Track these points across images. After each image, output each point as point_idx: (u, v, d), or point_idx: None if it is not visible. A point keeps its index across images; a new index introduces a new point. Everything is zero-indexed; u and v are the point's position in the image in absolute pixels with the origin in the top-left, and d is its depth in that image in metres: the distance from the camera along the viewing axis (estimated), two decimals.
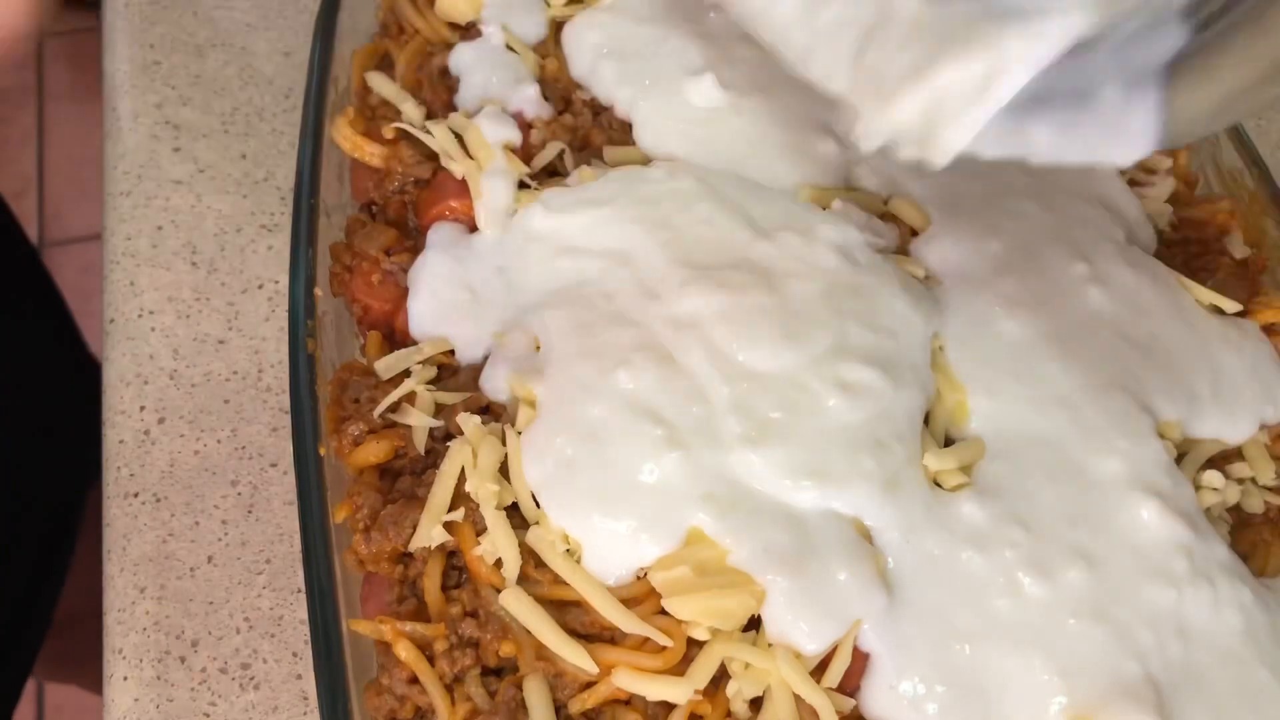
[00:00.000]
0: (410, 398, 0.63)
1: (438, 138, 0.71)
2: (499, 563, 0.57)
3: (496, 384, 0.63)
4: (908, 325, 0.64)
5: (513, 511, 0.59)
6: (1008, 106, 0.42)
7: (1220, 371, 0.66)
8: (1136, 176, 0.76)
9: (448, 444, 0.61)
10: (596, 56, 0.76)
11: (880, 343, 0.63)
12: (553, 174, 0.73)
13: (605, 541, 0.57)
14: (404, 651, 0.56)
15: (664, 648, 0.55)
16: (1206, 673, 0.56)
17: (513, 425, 0.61)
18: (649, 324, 0.63)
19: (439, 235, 0.69)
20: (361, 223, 0.71)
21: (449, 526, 0.58)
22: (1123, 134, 0.43)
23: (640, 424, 0.59)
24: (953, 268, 0.68)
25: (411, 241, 0.71)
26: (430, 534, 0.58)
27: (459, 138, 0.71)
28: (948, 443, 0.63)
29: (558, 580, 0.57)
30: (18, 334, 1.09)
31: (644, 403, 0.60)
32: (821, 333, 0.63)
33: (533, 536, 0.57)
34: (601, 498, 0.57)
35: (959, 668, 0.55)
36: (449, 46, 0.78)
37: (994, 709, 0.55)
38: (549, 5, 0.80)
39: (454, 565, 0.59)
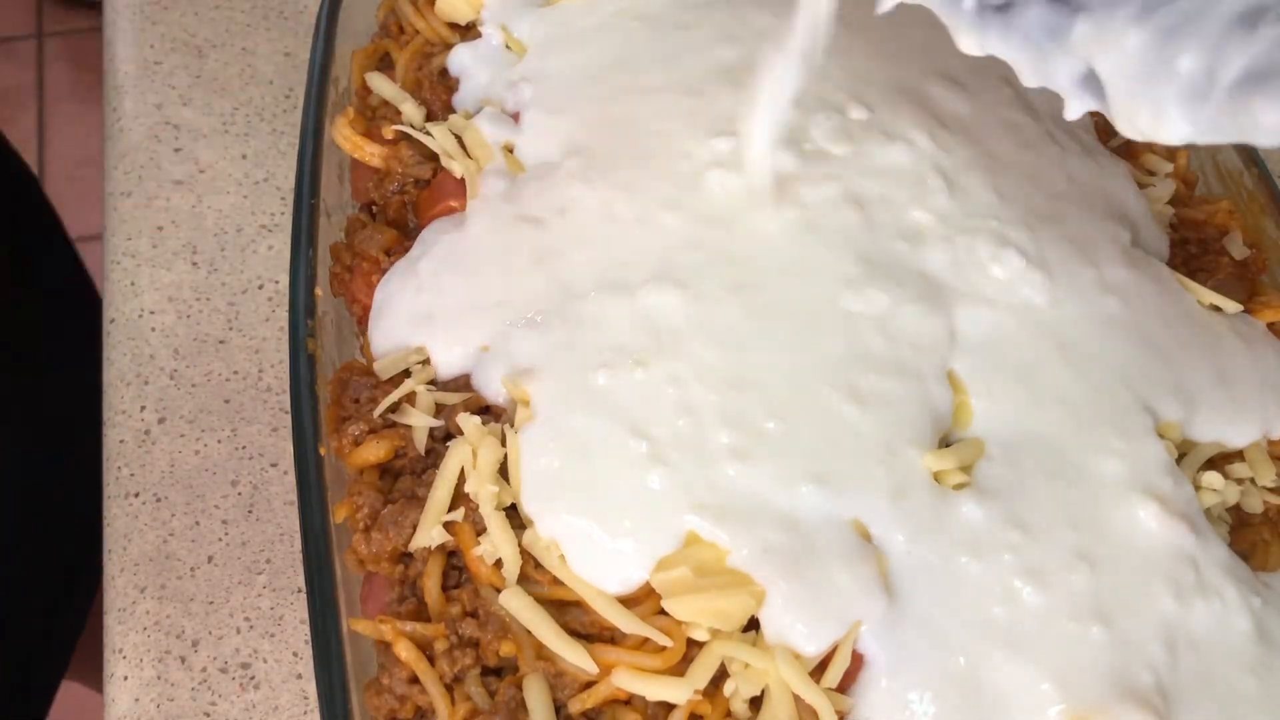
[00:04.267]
0: (410, 398, 0.63)
1: (438, 138, 0.71)
2: (499, 563, 0.57)
3: (492, 386, 0.62)
4: (930, 332, 0.64)
5: (512, 512, 0.59)
6: (1230, 85, 0.41)
7: (1226, 373, 0.66)
8: (1138, 178, 0.76)
9: (448, 444, 0.61)
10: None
11: (898, 351, 0.62)
12: None
13: (595, 554, 0.57)
14: (404, 651, 0.56)
15: (664, 648, 0.55)
16: (1213, 676, 0.56)
17: (512, 426, 0.61)
18: (626, 324, 0.62)
19: (430, 234, 0.69)
20: (362, 223, 0.71)
21: (449, 526, 0.59)
22: None
23: (622, 438, 0.58)
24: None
25: (411, 242, 0.71)
26: (430, 534, 0.58)
27: (458, 138, 0.72)
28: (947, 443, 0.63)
29: (557, 580, 0.57)
30: (64, 331, 1.09)
31: (625, 412, 0.59)
32: (832, 339, 0.62)
33: (528, 540, 0.57)
34: (588, 514, 0.57)
35: (957, 674, 0.55)
36: (449, 47, 0.78)
37: (992, 716, 0.54)
38: None
39: (454, 565, 0.59)
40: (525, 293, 0.64)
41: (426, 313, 0.65)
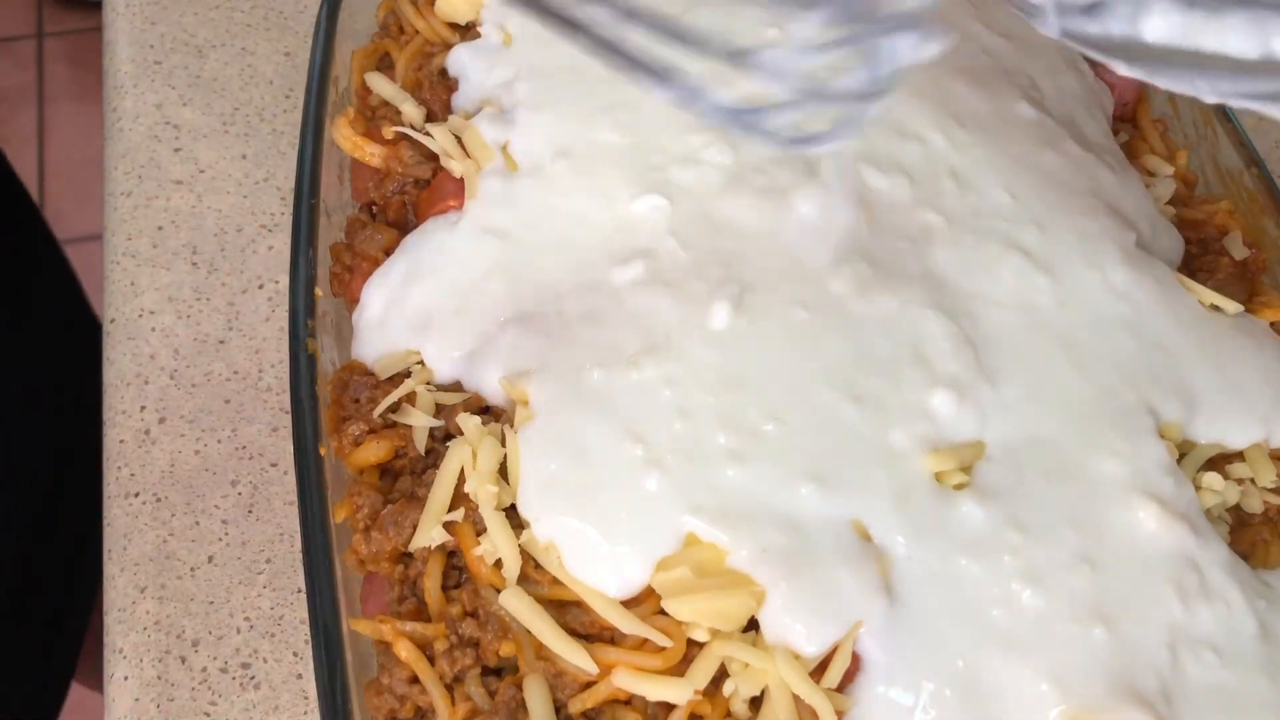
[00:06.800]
0: (410, 398, 0.63)
1: (437, 139, 0.71)
2: (499, 563, 0.57)
3: (487, 386, 0.62)
4: (933, 333, 0.63)
5: (512, 512, 0.59)
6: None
7: (1227, 374, 0.66)
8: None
9: (448, 444, 0.61)
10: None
11: (900, 352, 0.62)
12: None
13: (593, 557, 0.56)
14: (404, 651, 0.56)
15: (664, 648, 0.55)
16: (1220, 678, 0.56)
17: (512, 426, 0.61)
18: (617, 324, 0.62)
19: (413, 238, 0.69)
20: (362, 223, 0.71)
21: (449, 526, 0.59)
22: None
23: (618, 441, 0.58)
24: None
25: None
26: (430, 534, 0.58)
27: (458, 138, 0.71)
28: None
29: (557, 580, 0.57)
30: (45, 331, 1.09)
31: (622, 415, 0.59)
32: (833, 340, 0.62)
33: (527, 540, 0.57)
34: (585, 517, 0.57)
35: (956, 674, 0.55)
36: (449, 47, 0.78)
37: (991, 717, 0.54)
38: None
39: (454, 565, 0.59)
40: (515, 293, 0.64)
41: (406, 320, 0.65)
